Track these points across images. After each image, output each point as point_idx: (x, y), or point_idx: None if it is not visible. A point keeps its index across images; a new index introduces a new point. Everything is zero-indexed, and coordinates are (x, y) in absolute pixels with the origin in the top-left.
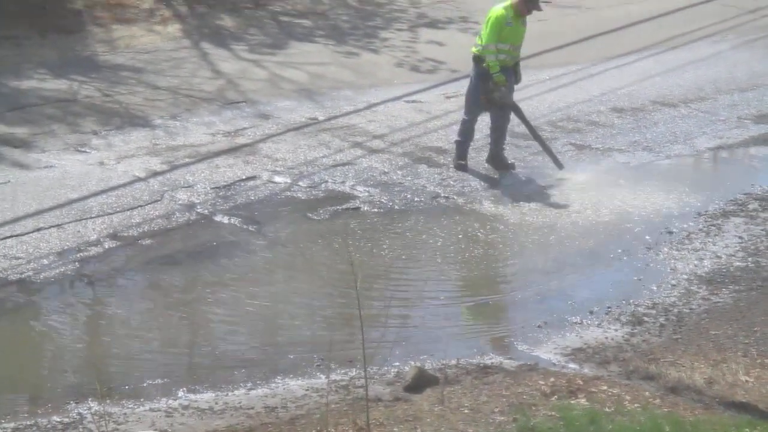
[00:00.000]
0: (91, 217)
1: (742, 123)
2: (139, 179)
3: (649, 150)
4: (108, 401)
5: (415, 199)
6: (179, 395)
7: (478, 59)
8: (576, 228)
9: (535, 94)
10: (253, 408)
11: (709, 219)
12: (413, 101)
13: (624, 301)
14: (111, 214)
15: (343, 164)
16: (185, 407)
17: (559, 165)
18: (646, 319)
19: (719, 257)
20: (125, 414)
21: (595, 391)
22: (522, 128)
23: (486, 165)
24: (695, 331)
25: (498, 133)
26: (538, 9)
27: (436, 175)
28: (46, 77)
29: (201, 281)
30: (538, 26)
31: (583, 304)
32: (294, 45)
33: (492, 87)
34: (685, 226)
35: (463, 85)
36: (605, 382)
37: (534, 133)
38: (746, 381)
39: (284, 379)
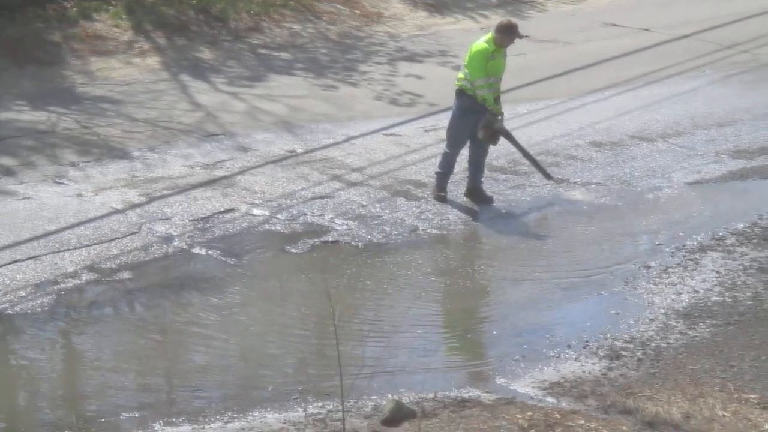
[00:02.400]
0: (69, 249)
1: (719, 158)
2: (117, 211)
3: (627, 184)
4: None
5: (394, 232)
6: (156, 428)
7: (461, 93)
8: (553, 262)
9: (513, 128)
10: None
11: (687, 253)
12: (392, 134)
13: (601, 335)
14: (88, 245)
15: (322, 197)
16: None
17: (548, 177)
18: (623, 353)
19: (697, 292)
20: None
21: (573, 425)
22: (500, 162)
23: (464, 198)
24: (673, 366)
25: (476, 166)
26: (520, 37)
27: (414, 208)
28: (24, 109)
29: (178, 314)
30: (516, 60)
31: (560, 338)
32: (273, 78)
33: (491, 119)
34: (662, 260)
35: (442, 119)
36: (583, 416)
37: (525, 153)
38: (723, 416)
39: (261, 411)
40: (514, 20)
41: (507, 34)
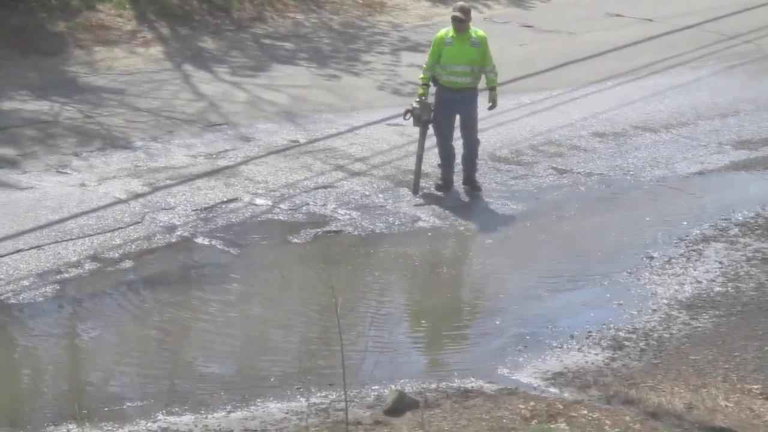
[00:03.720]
0: (72, 239)
1: (722, 148)
2: (120, 201)
3: (630, 174)
4: (87, 424)
5: (396, 222)
6: (158, 418)
7: (434, 82)
8: (556, 252)
9: (516, 118)
10: (232, 431)
11: (690, 244)
12: (395, 124)
13: (604, 326)
14: (91, 235)
15: (325, 187)
16: (164, 429)
17: (415, 191)
18: (626, 343)
19: (700, 282)
20: None
21: (575, 415)
22: (503, 152)
23: (463, 188)
24: (675, 356)
25: (470, 155)
26: (457, 23)
27: (417, 198)
28: (28, 99)
29: (181, 303)
30: (519, 51)
31: (563, 328)
32: (276, 68)
33: (416, 102)
34: (665, 251)
35: None
36: (585, 406)
37: (420, 155)
38: (726, 406)
39: (264, 401)
40: (460, 4)
41: (452, 20)
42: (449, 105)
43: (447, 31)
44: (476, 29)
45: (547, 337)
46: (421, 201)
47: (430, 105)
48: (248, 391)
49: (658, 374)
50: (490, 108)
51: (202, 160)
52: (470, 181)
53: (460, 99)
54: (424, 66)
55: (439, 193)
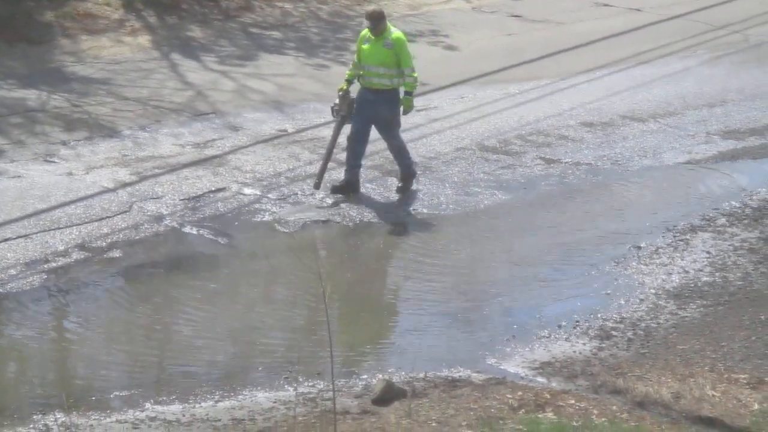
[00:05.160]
0: (59, 228)
1: (710, 138)
2: (108, 190)
3: (617, 164)
4: (74, 413)
5: (385, 212)
6: (146, 407)
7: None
8: (544, 242)
9: (504, 107)
10: (220, 420)
11: (678, 234)
12: None
13: (592, 315)
14: (79, 224)
15: (313, 176)
16: (152, 419)
17: (317, 185)
18: (614, 333)
19: (687, 272)
20: (91, 426)
21: (563, 404)
22: (490, 142)
23: (454, 179)
24: (663, 346)
25: (396, 155)
26: (370, 27)
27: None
28: (14, 87)
29: (169, 293)
30: (507, 40)
31: (551, 317)
32: (264, 57)
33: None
34: (653, 241)
35: (433, 99)
36: (573, 396)
37: (330, 150)
38: (713, 396)
39: (252, 391)
40: (370, 9)
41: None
42: (364, 105)
43: (368, 29)
44: (395, 30)
45: (534, 326)
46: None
47: (350, 100)
48: (236, 380)
49: (646, 364)
50: (404, 113)
51: (189, 149)
52: (401, 189)
53: (375, 100)
54: (352, 62)
55: (339, 195)
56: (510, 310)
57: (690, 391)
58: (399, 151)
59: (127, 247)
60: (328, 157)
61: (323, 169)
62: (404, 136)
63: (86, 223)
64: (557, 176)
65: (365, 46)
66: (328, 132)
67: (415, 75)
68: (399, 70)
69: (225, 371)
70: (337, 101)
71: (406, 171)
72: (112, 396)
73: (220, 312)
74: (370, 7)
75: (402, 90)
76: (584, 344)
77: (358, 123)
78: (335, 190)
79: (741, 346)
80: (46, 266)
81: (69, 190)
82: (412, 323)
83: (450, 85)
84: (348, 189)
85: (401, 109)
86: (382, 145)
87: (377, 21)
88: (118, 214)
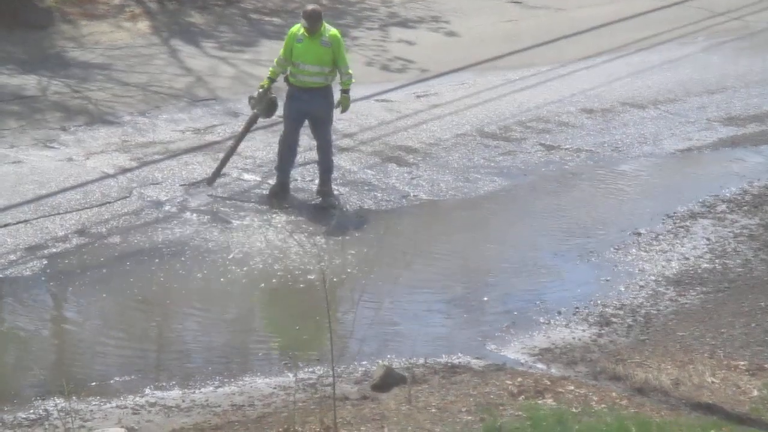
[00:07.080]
0: (59, 213)
1: (710, 125)
2: (108, 176)
3: (618, 151)
4: (74, 398)
5: (385, 198)
6: (146, 392)
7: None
8: (544, 228)
9: (504, 94)
10: (220, 406)
11: (678, 221)
12: (383, 100)
13: (592, 302)
14: (79, 210)
15: (313, 163)
16: (152, 404)
17: (210, 181)
18: (613, 319)
19: (687, 259)
20: (92, 411)
21: (563, 391)
22: (491, 128)
23: (452, 167)
24: (662, 333)
25: (323, 160)
26: (306, 26)
27: (405, 174)
28: (15, 73)
29: (169, 278)
30: (507, 27)
31: (550, 304)
32: (264, 43)
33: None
34: (653, 227)
35: (434, 85)
36: (572, 382)
37: (234, 146)
38: (712, 382)
39: (252, 377)
40: (309, 9)
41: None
42: (297, 105)
43: (299, 27)
44: (330, 28)
45: (534, 313)
46: (208, 185)
47: (269, 99)
48: (236, 366)
49: (645, 350)
50: (342, 112)
51: (189, 135)
52: (323, 193)
53: (309, 99)
54: (276, 60)
55: (273, 199)
56: (510, 297)
57: (689, 377)
58: (328, 149)
59: (126, 233)
60: (230, 153)
61: (222, 164)
62: (403, 122)
63: (86, 208)
64: (557, 163)
65: (299, 44)
66: None
67: (351, 72)
68: (334, 68)
69: (225, 357)
70: (255, 95)
71: (329, 171)
72: (112, 381)
73: (219, 298)
74: (309, 7)
75: (338, 88)
76: (584, 331)
77: (292, 125)
78: (272, 192)
79: (741, 332)
80: (45, 251)
81: (69, 175)
82: (411, 309)
83: (450, 71)
84: (283, 192)
85: (339, 108)
86: (382, 130)
87: (316, 20)
88: (118, 200)
